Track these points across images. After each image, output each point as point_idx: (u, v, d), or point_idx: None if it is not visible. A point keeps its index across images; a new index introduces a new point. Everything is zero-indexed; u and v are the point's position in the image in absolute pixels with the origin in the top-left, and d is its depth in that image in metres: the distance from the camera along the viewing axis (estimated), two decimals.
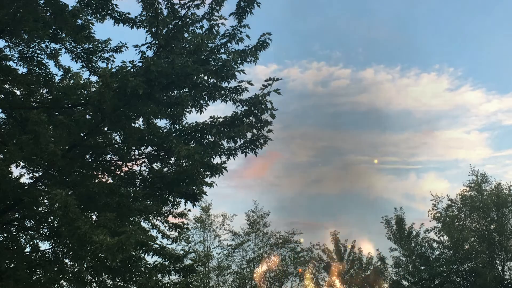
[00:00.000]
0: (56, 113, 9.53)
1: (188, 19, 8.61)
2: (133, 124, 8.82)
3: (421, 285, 27.93)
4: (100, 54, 10.46)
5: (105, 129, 8.94)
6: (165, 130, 9.03)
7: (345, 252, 30.67)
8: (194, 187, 8.93)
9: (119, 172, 9.56)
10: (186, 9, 8.57)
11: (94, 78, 10.56)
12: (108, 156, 9.51)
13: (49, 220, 9.98)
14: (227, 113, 8.48)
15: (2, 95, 9.87)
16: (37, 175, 9.72)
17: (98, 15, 9.27)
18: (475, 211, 27.88)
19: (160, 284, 10.79)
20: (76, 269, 10.00)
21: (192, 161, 7.75)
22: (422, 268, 28.47)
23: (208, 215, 26.60)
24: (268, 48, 8.58)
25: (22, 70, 10.16)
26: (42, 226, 10.35)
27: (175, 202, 9.74)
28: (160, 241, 12.11)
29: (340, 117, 56.18)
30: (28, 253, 10.10)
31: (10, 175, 8.67)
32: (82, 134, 8.80)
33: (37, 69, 10.29)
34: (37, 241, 10.56)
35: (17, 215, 9.96)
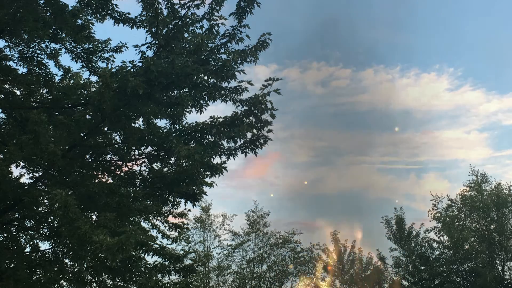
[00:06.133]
0: (56, 113, 9.53)
1: (188, 19, 8.61)
2: (133, 124, 8.83)
3: (421, 285, 27.89)
4: (100, 54, 10.46)
5: (105, 129, 8.94)
6: (165, 130, 9.04)
7: (345, 252, 30.68)
8: (194, 187, 8.94)
9: (119, 172, 9.57)
10: (186, 9, 8.58)
11: (94, 78, 10.59)
12: (108, 156, 9.51)
13: (49, 220, 9.98)
14: (227, 113, 8.51)
15: (2, 95, 9.87)
16: (37, 175, 9.71)
17: (98, 15, 9.28)
18: (475, 211, 27.84)
19: (160, 284, 10.80)
20: (76, 269, 10.01)
21: (192, 161, 7.75)
22: (422, 268, 28.43)
23: (208, 215, 26.58)
24: (268, 48, 8.60)
25: (22, 70, 10.17)
26: (42, 226, 10.35)
27: (175, 202, 9.74)
28: (160, 241, 12.13)
29: (340, 117, 56.09)
30: (28, 253, 10.10)
31: (10, 175, 8.67)
32: (82, 134, 8.80)
33: (37, 69, 10.28)
34: (37, 241, 10.56)
35: (17, 215, 9.95)
